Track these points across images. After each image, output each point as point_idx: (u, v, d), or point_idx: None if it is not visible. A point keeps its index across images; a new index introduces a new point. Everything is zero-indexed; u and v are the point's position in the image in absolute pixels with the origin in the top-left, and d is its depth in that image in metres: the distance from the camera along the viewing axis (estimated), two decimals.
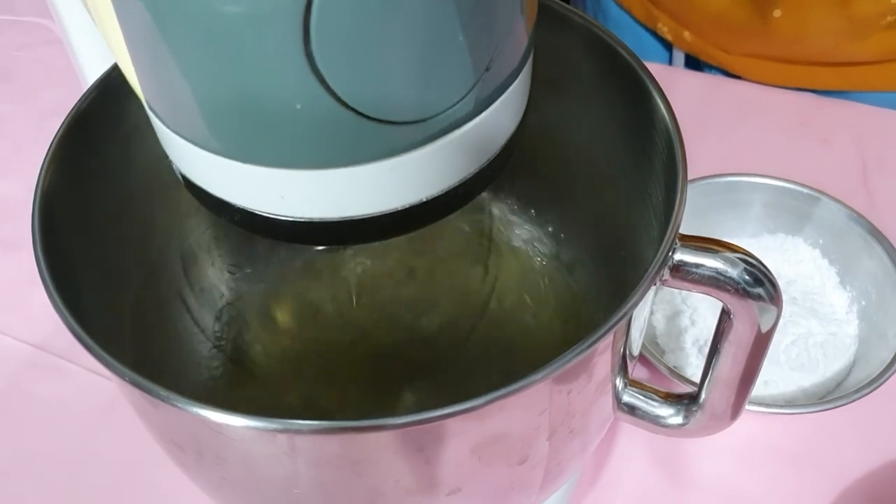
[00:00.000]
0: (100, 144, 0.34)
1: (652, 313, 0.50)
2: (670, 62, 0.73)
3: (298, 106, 0.21)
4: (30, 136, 0.64)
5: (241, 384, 0.41)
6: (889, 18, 0.59)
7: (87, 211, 0.33)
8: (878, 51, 0.62)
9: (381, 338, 0.42)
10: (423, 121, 0.22)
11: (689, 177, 0.52)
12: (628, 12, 0.73)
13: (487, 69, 0.23)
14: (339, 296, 0.43)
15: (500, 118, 0.25)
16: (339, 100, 0.21)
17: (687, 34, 0.69)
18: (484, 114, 0.24)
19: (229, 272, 0.42)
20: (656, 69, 0.65)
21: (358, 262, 0.43)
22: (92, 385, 0.49)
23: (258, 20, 0.19)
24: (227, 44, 0.20)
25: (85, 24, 0.39)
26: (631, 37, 0.74)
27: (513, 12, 0.23)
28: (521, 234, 0.44)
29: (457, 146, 0.24)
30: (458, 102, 0.23)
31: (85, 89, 0.39)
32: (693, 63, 0.71)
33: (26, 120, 0.65)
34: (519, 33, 0.24)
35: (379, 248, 0.43)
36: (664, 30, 0.70)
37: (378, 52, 0.20)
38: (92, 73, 0.41)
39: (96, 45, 0.40)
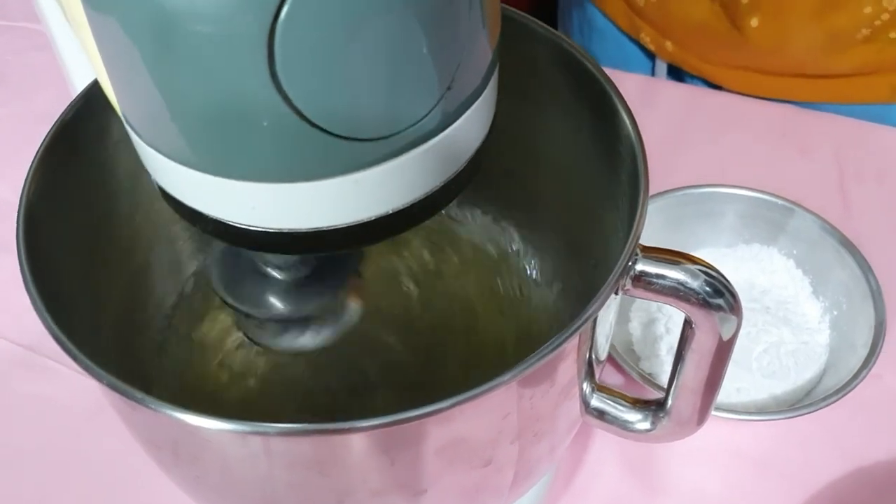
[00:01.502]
0: (85, 153, 0.35)
1: (629, 320, 0.51)
2: (653, 72, 0.74)
3: (265, 123, 0.22)
4: (22, 140, 0.64)
5: (225, 387, 0.42)
6: (864, 32, 0.60)
7: (71, 218, 0.34)
8: (856, 64, 0.63)
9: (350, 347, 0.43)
10: (388, 137, 0.23)
11: (668, 187, 0.54)
12: (613, 22, 0.74)
13: (450, 87, 0.24)
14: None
15: (465, 133, 0.26)
16: (304, 118, 0.22)
17: (669, 44, 0.70)
18: (449, 129, 0.25)
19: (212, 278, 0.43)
20: (638, 80, 0.67)
21: None
22: (81, 386, 0.49)
23: (224, 42, 0.20)
24: (195, 63, 0.21)
25: (71, 32, 0.40)
26: (615, 46, 0.75)
27: (474, 29, 0.24)
28: (489, 242, 0.45)
29: (422, 160, 0.25)
30: (422, 119, 0.23)
31: (73, 95, 0.40)
32: (675, 73, 0.73)
33: (18, 124, 0.66)
34: (481, 49, 0.25)
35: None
36: (647, 40, 0.71)
37: (341, 73, 0.21)
38: (79, 78, 0.43)
39: (83, 52, 0.41)
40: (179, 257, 0.41)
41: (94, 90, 0.34)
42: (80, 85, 0.43)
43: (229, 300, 0.32)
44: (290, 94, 0.21)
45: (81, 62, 0.42)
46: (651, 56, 0.73)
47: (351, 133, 0.22)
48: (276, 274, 0.31)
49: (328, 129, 0.22)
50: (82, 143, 0.34)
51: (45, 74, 0.68)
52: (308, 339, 0.33)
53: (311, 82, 0.21)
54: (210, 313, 0.43)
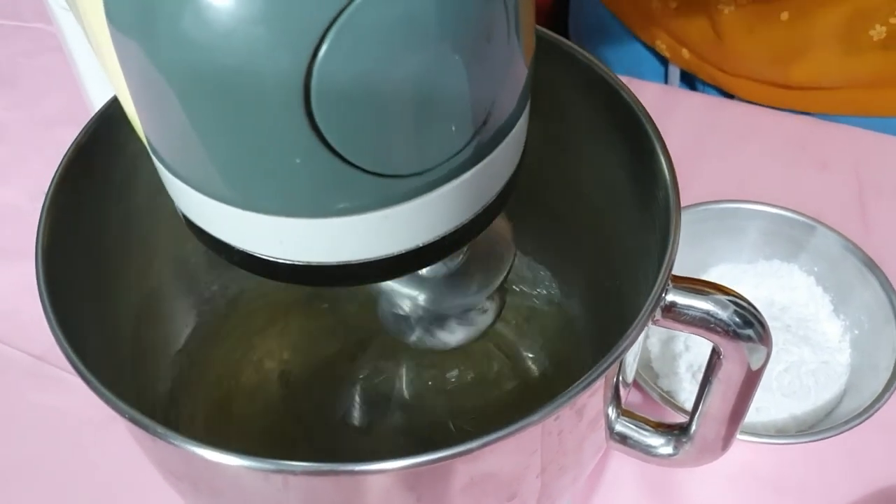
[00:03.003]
0: (105, 168, 0.34)
1: (647, 337, 0.50)
2: (666, 78, 0.73)
3: (298, 160, 0.21)
4: (33, 143, 0.64)
5: (240, 403, 0.41)
6: (880, 30, 0.59)
7: (89, 236, 0.33)
8: (873, 70, 0.62)
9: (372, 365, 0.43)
10: (418, 174, 0.23)
11: (686, 200, 0.52)
12: (626, 27, 0.73)
13: (485, 122, 0.23)
14: (336, 325, 0.43)
15: (497, 165, 0.25)
16: (338, 155, 0.21)
17: (685, 52, 0.69)
18: (480, 164, 0.24)
19: (228, 295, 0.43)
20: (655, 90, 0.66)
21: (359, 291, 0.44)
22: (91, 397, 0.49)
23: (260, 81, 0.19)
24: (229, 101, 0.20)
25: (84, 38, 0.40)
26: (627, 51, 0.74)
27: (513, 64, 0.23)
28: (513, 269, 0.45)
29: (453, 195, 0.24)
30: (454, 155, 0.23)
31: (85, 98, 0.39)
32: (687, 78, 0.72)
33: (29, 127, 0.66)
34: (517, 83, 0.24)
35: None
36: (662, 47, 0.71)
37: (376, 112, 0.20)
38: (92, 81, 0.42)
39: (101, 71, 0.40)
40: (194, 277, 0.41)
41: (109, 111, 0.33)
42: (92, 88, 0.42)
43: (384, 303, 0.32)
44: (325, 132, 0.20)
45: (95, 65, 0.42)
46: (664, 62, 0.73)
47: (383, 170, 0.22)
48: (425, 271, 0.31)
49: (361, 166, 0.21)
50: (101, 158, 0.34)
51: (56, 77, 0.68)
52: (456, 336, 0.33)
53: (345, 121, 0.20)
54: (226, 333, 0.42)
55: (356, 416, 0.42)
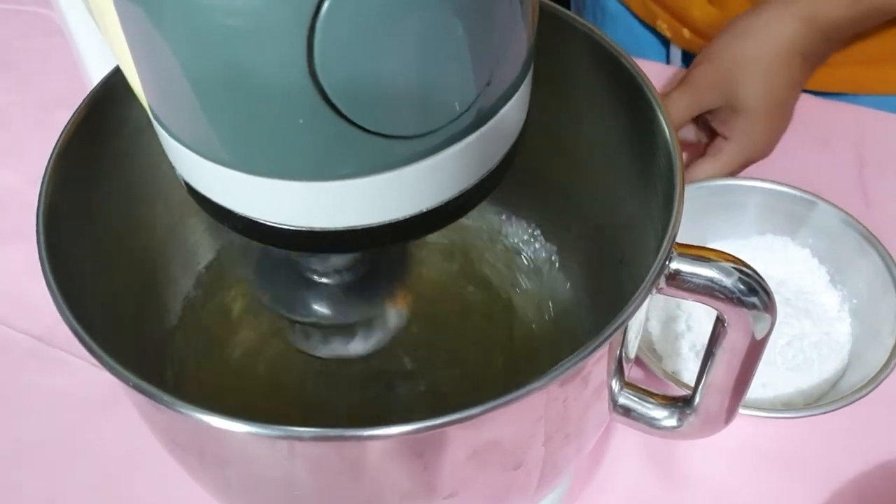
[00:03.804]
0: (105, 142, 0.34)
1: (648, 320, 0.50)
2: (667, 59, 0.73)
3: (301, 120, 0.21)
4: (31, 126, 0.64)
5: (241, 380, 0.41)
6: None
7: (90, 211, 0.33)
8: (873, 48, 0.62)
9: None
10: (424, 135, 0.22)
11: (687, 178, 0.53)
12: (627, 8, 0.73)
13: (489, 83, 0.23)
14: None
15: (500, 129, 0.25)
16: (341, 115, 0.21)
17: (686, 31, 0.69)
18: (484, 127, 0.24)
19: (230, 270, 0.43)
20: (655, 68, 0.66)
21: None
22: (93, 377, 0.49)
23: (262, 38, 0.19)
24: (231, 59, 0.20)
25: (85, 16, 0.40)
26: (629, 33, 0.74)
27: (516, 23, 0.23)
28: (513, 234, 0.45)
29: (457, 159, 0.24)
30: (458, 116, 0.23)
31: (85, 80, 0.39)
32: (690, 60, 0.71)
33: (27, 110, 0.65)
34: (520, 46, 0.24)
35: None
36: (663, 27, 0.70)
37: (380, 70, 0.20)
38: (92, 64, 0.42)
39: (96, 36, 0.40)
40: (196, 249, 0.41)
41: (112, 81, 0.33)
42: (92, 70, 0.42)
43: (274, 307, 0.32)
44: (328, 91, 0.20)
45: (94, 47, 0.42)
46: (665, 42, 0.72)
47: (387, 130, 0.22)
48: (322, 280, 0.31)
49: (365, 126, 0.21)
50: (100, 134, 0.34)
51: (54, 60, 0.67)
52: (355, 346, 0.32)
53: (349, 78, 0.20)
54: (228, 305, 0.42)
55: (364, 387, 0.42)
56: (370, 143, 0.22)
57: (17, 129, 0.65)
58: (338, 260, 0.30)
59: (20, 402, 0.49)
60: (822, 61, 0.58)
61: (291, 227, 0.25)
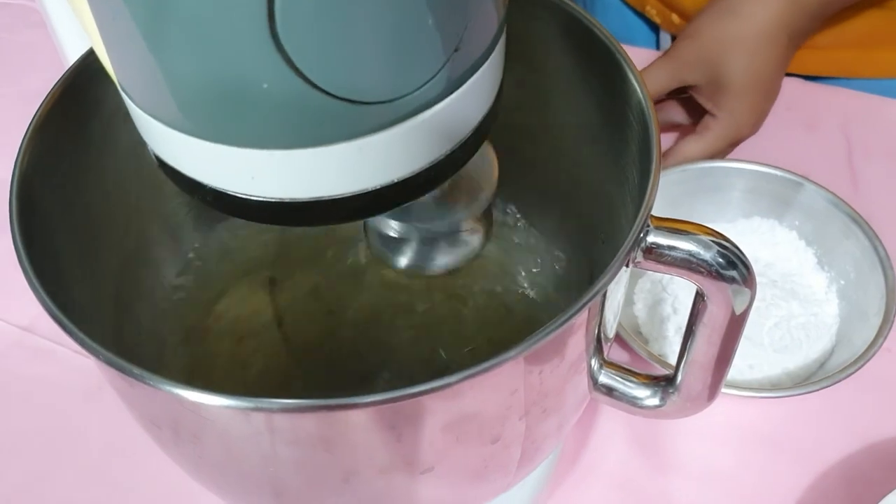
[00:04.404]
0: (81, 125, 0.34)
1: (633, 303, 0.50)
2: (657, 45, 0.73)
3: (265, 86, 0.21)
4: (15, 118, 0.63)
5: (222, 365, 0.41)
6: None
7: (67, 193, 0.33)
8: (860, 31, 0.62)
9: (355, 324, 0.42)
10: (392, 101, 0.22)
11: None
12: None
13: (457, 49, 0.23)
14: (320, 282, 0.43)
15: (471, 99, 0.25)
16: (305, 79, 0.21)
17: (675, 17, 0.69)
18: (454, 95, 0.24)
19: (214, 252, 0.42)
20: (644, 53, 0.66)
21: (347, 248, 0.44)
22: (79, 367, 0.49)
23: (222, 1, 0.19)
24: (192, 23, 0.20)
25: (65, 4, 0.39)
26: (619, 19, 0.74)
27: None
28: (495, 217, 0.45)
29: (427, 128, 0.24)
30: (427, 83, 0.23)
31: (66, 69, 0.39)
32: None
33: (11, 103, 0.65)
34: (490, 12, 0.24)
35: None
36: (652, 12, 0.70)
37: (344, 32, 0.20)
38: (73, 53, 0.41)
39: (76, 25, 0.40)
40: (180, 232, 0.40)
41: (87, 62, 0.33)
42: (73, 58, 0.42)
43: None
44: (292, 54, 0.20)
45: (76, 38, 0.41)
46: (654, 28, 0.72)
47: (354, 96, 0.22)
48: None
49: (331, 91, 0.21)
50: (75, 116, 0.33)
51: (39, 53, 0.67)
52: (448, 258, 0.32)
53: (313, 41, 0.20)
54: (212, 290, 0.42)
55: (352, 360, 0.42)
56: (337, 109, 0.22)
57: (2, 121, 0.64)
58: None
59: (6, 391, 0.49)
60: (807, 38, 0.58)
61: (260, 199, 0.24)
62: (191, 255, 0.41)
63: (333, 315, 0.44)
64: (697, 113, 0.57)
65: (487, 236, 0.34)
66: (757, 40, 0.53)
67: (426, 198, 0.28)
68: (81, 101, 0.33)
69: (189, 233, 0.41)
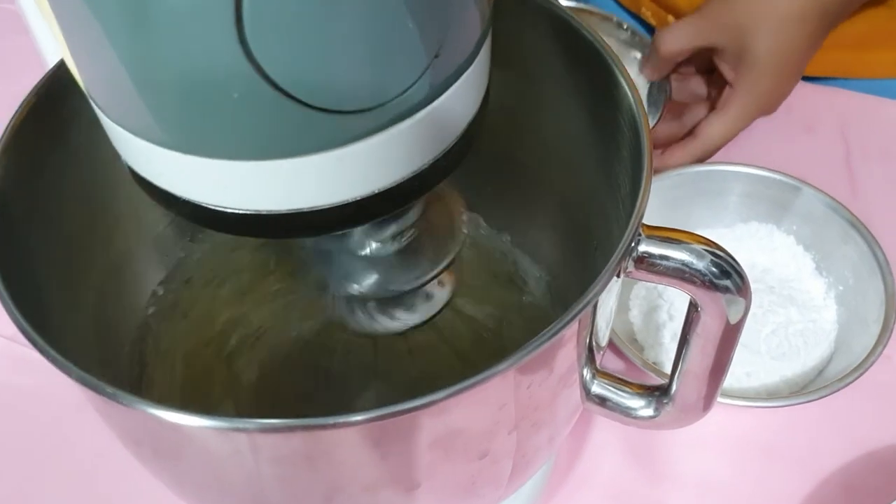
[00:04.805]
0: (58, 135, 0.33)
1: (629, 309, 0.49)
2: None
3: (236, 95, 0.20)
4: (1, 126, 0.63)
5: (209, 378, 0.40)
6: None
7: (44, 205, 0.32)
8: (859, 32, 0.61)
9: (339, 338, 0.42)
10: (371, 110, 0.22)
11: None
12: None
13: (437, 55, 0.22)
14: (306, 292, 0.42)
15: (455, 106, 0.24)
16: (277, 88, 0.20)
17: (671, 18, 0.68)
18: (437, 102, 0.23)
19: (196, 264, 0.42)
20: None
21: None
22: (65, 377, 0.48)
23: (189, 6, 0.18)
24: (158, 30, 0.19)
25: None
26: None
27: None
28: (483, 225, 0.44)
29: (408, 136, 0.23)
30: (406, 90, 0.22)
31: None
32: None
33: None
34: (472, 15, 0.23)
35: None
36: (647, 14, 0.69)
37: (316, 38, 0.19)
38: (53, 60, 0.41)
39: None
40: (162, 245, 0.40)
41: (63, 70, 0.32)
42: (51, 64, 0.41)
43: (334, 286, 0.32)
44: (262, 62, 0.19)
45: (54, 43, 0.41)
46: (650, 30, 0.71)
47: (330, 105, 0.21)
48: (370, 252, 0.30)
49: (304, 100, 0.20)
50: (52, 126, 0.32)
51: (24, 59, 0.66)
52: (416, 315, 0.32)
53: (283, 48, 0.19)
54: (193, 303, 0.41)
55: (333, 384, 0.41)
56: (312, 118, 0.21)
57: None
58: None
59: None
60: (840, 22, 0.56)
61: (238, 211, 0.24)
62: (174, 266, 0.40)
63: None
64: (718, 90, 0.56)
65: (455, 286, 0.33)
66: (788, 17, 0.51)
67: (390, 257, 0.27)
68: (59, 110, 0.32)
69: (173, 242, 0.40)
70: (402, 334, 0.33)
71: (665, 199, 0.50)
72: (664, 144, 0.55)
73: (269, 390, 0.40)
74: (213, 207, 0.24)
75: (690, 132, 0.54)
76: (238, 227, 0.24)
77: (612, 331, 0.45)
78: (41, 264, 0.32)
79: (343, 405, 0.40)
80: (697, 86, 0.59)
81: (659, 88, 0.57)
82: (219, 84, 0.20)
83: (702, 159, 0.54)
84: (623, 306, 0.49)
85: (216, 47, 0.19)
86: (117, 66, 0.20)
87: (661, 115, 0.56)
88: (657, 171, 0.51)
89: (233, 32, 0.19)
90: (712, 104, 0.56)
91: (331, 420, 0.23)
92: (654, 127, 0.56)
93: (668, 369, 0.46)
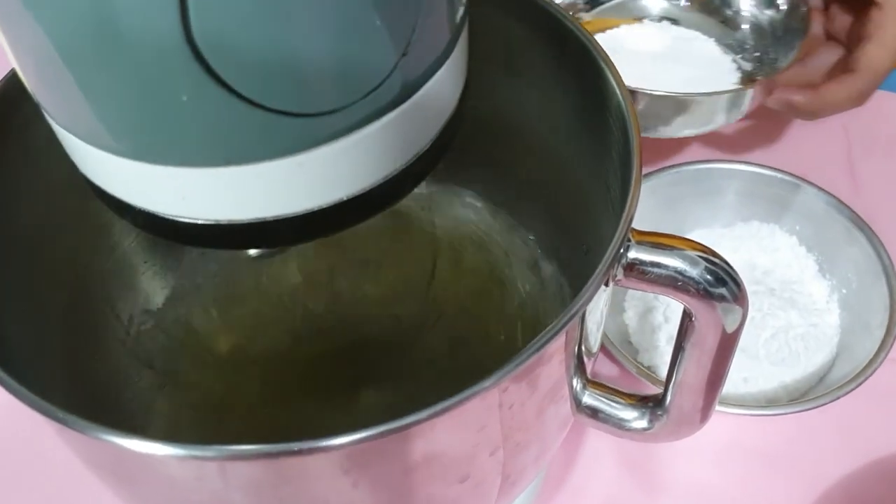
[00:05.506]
0: (14, 144, 0.31)
1: (624, 311, 0.48)
2: None
3: (185, 97, 0.18)
4: None
5: (181, 397, 0.39)
6: None
7: (5, 215, 0.30)
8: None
9: (327, 340, 0.40)
10: (333, 112, 0.20)
11: (663, 164, 0.50)
12: None
13: (405, 53, 0.20)
14: (280, 298, 0.41)
15: (429, 105, 0.23)
16: (231, 90, 0.18)
17: None
18: (407, 103, 0.21)
19: (163, 279, 0.40)
20: None
21: (299, 263, 0.41)
22: None
23: (131, 4, 0.17)
24: (101, 30, 0.17)
25: None
26: None
27: None
28: (472, 228, 0.42)
29: (377, 140, 0.21)
30: (373, 91, 0.20)
31: None
32: None
33: None
34: (443, 8, 0.21)
35: (322, 247, 0.41)
36: None
37: (269, 33, 0.18)
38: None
39: None
40: (131, 259, 0.38)
41: (14, 79, 0.30)
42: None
43: None
44: (211, 61, 0.18)
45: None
46: None
47: (290, 107, 0.19)
48: None
49: (260, 102, 0.19)
50: (7, 133, 0.30)
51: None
52: None
53: (233, 46, 0.18)
54: (167, 316, 0.39)
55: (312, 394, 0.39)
56: (270, 121, 0.19)
57: None
58: None
59: None
60: None
61: (195, 221, 0.22)
62: (142, 279, 0.39)
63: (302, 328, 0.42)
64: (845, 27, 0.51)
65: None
66: None
67: None
68: (15, 122, 0.30)
69: (140, 255, 0.38)
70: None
71: (662, 197, 0.49)
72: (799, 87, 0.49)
73: (246, 404, 0.39)
74: (168, 217, 0.22)
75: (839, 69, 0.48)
76: (197, 239, 0.23)
77: (606, 336, 0.43)
78: (4, 287, 0.30)
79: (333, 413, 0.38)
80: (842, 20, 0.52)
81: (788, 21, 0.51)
82: (166, 86, 0.18)
83: (865, 95, 0.48)
84: (618, 308, 0.48)
85: (161, 46, 0.17)
86: (58, 67, 0.19)
87: (796, 55, 0.49)
88: (815, 113, 0.47)
89: (179, 30, 0.17)
90: (841, 42, 0.51)
91: (287, 447, 0.21)
92: (786, 69, 0.49)
93: (663, 375, 0.44)
